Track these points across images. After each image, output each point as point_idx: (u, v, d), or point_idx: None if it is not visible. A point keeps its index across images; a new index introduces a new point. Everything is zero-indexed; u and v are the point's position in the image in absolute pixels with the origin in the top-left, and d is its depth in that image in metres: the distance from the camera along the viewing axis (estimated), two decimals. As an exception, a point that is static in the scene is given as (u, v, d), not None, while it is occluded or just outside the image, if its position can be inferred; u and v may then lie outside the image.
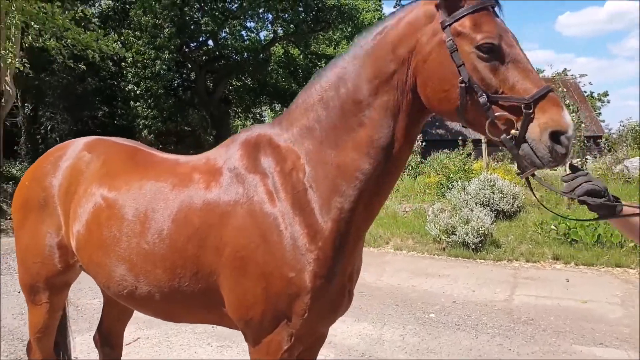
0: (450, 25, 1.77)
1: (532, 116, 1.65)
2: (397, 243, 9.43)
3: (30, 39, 12.20)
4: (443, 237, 8.79)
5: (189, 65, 26.18)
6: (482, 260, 8.22)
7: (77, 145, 2.69)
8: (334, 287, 1.99)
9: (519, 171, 1.79)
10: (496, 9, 1.82)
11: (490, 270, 7.68)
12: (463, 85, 1.72)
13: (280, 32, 27.13)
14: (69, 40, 12.11)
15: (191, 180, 2.19)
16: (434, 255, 8.73)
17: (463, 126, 1.87)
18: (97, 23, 21.66)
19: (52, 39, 12.01)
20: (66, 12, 12.35)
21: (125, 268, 2.27)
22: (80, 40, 12.22)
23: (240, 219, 2.00)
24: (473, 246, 8.44)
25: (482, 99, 1.69)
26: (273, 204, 1.97)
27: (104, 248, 2.31)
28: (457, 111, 1.77)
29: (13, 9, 10.72)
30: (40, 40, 11.82)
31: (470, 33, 1.74)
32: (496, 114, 1.69)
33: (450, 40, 1.75)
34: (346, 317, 5.83)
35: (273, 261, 1.92)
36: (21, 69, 11.04)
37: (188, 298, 2.15)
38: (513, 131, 1.69)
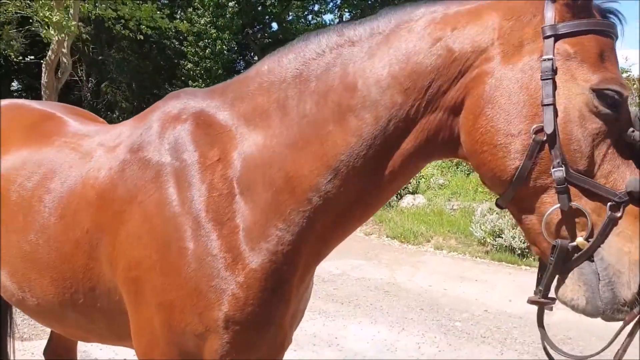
0: (557, 37, 1.16)
1: (615, 225, 1.10)
2: (438, 242, 8.87)
3: (86, 8, 12.47)
4: (488, 240, 8.19)
5: (252, 47, 26.29)
6: (528, 267, 7.55)
7: None
8: (263, 340, 1.45)
9: (533, 298, 1.25)
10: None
11: (535, 278, 7.05)
12: (540, 138, 1.12)
13: (346, 16, 26.63)
14: (125, 12, 12.32)
15: (92, 160, 1.68)
16: (475, 257, 8.11)
17: None
18: (165, 2, 22.22)
19: (107, 9, 12.26)
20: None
21: (6, 273, 1.80)
22: (135, 14, 12.42)
23: (135, 222, 1.47)
24: (519, 251, 7.79)
25: (559, 172, 1.11)
26: (179, 206, 1.41)
27: None
28: (507, 175, 1.18)
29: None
30: (97, 9, 12.09)
31: (590, 64, 1.15)
32: (572, 203, 1.12)
33: (549, 60, 1.14)
34: (363, 318, 5.44)
35: (173, 287, 1.39)
36: (79, 35, 11.32)
37: (86, 319, 1.68)
38: (580, 240, 1.13)
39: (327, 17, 28.92)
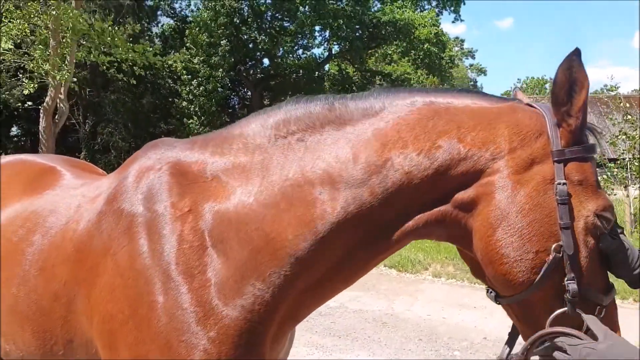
0: (565, 162, 1.28)
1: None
2: (436, 269, 8.86)
3: (81, 55, 12.79)
4: (485, 265, 8.19)
5: (245, 83, 26.70)
6: (526, 292, 7.55)
7: None
8: None
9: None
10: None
11: (534, 303, 7.04)
12: (559, 256, 1.24)
13: (335, 49, 27.16)
14: (118, 55, 12.61)
15: (72, 212, 1.71)
16: (474, 284, 8.08)
17: None
18: (159, 43, 22.68)
19: (100, 55, 12.54)
20: (116, 29, 12.92)
21: None
22: (128, 56, 12.69)
23: (108, 275, 1.46)
24: (516, 276, 7.78)
25: (573, 285, 1.24)
26: (149, 259, 1.39)
27: None
28: (523, 286, 1.28)
29: (66, 27, 11.32)
30: (91, 56, 12.40)
31: (592, 190, 1.29)
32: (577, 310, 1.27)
33: (564, 184, 1.25)
34: (360, 351, 5.43)
35: (146, 342, 1.36)
36: (75, 88, 11.62)
37: None
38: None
39: (317, 51, 29.48)
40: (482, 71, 52.41)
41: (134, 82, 14.43)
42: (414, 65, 27.49)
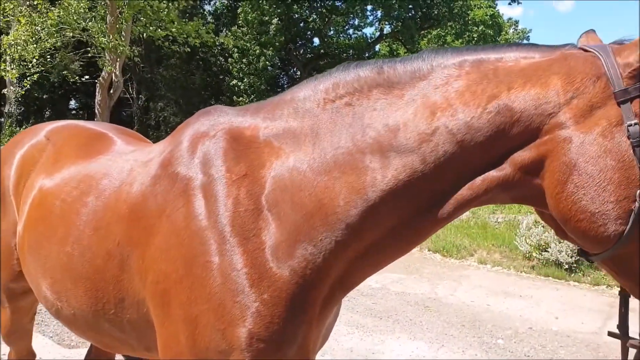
0: (631, 100, 1.20)
1: None
2: (482, 256, 8.66)
3: (138, 30, 13.16)
4: (534, 254, 7.94)
5: (294, 63, 26.69)
6: (576, 283, 7.25)
7: (38, 130, 2.41)
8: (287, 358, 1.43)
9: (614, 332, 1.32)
10: None
11: (584, 295, 6.74)
12: None
13: (387, 29, 26.66)
14: (173, 30, 12.89)
15: (125, 175, 1.75)
16: (521, 272, 7.87)
17: None
18: (211, 20, 22.94)
19: (157, 30, 12.86)
20: (171, 5, 13.23)
21: (47, 283, 1.90)
22: (183, 31, 12.97)
23: (163, 236, 1.49)
24: (567, 266, 7.50)
25: None
26: (205, 220, 1.42)
27: (32, 253, 1.96)
28: (611, 241, 1.21)
29: (123, 3, 11.67)
30: (148, 31, 12.73)
31: None
32: None
33: (635, 124, 1.17)
34: (401, 333, 5.38)
35: (199, 302, 1.39)
36: (130, 57, 11.99)
37: (117, 329, 1.73)
38: None
39: (368, 31, 28.98)
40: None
41: (188, 50, 14.70)
42: (468, 47, 26.65)
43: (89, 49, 13.37)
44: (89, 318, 1.78)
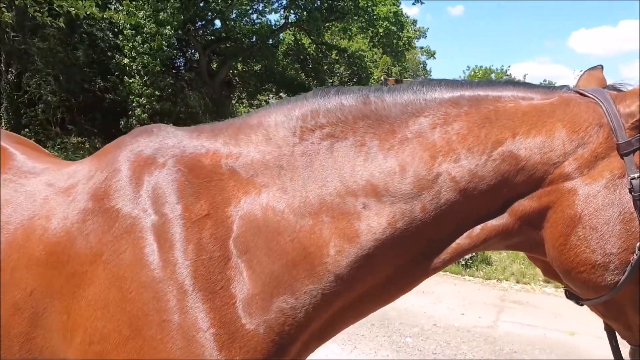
0: (634, 152, 1.19)
1: None
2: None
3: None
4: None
5: (193, 45, 25.52)
6: (471, 278, 7.74)
7: None
8: None
9: None
10: None
11: (478, 289, 7.22)
12: None
13: (292, 17, 26.40)
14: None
15: (38, 205, 1.41)
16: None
17: None
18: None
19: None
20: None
21: None
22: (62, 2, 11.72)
23: (100, 287, 1.22)
24: (463, 262, 7.98)
25: None
26: (159, 271, 1.18)
27: None
28: (606, 289, 1.21)
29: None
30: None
31: None
32: None
33: (638, 177, 1.17)
34: (314, 337, 5.35)
35: None
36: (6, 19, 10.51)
37: None
38: None
39: (273, 18, 28.60)
40: (432, 54, 53.08)
41: (61, 24, 13.28)
42: (371, 43, 27.29)
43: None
44: None
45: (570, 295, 1.39)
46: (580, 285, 1.26)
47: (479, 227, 1.28)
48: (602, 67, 1.53)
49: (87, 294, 1.24)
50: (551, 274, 1.39)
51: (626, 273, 1.17)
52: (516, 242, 1.34)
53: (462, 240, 1.29)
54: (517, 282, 7.71)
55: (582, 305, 1.37)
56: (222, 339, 1.15)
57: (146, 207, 1.26)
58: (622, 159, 1.19)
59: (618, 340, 1.41)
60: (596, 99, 1.26)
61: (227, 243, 1.23)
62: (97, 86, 21.44)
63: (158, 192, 1.27)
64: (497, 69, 55.49)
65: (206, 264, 1.20)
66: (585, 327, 5.84)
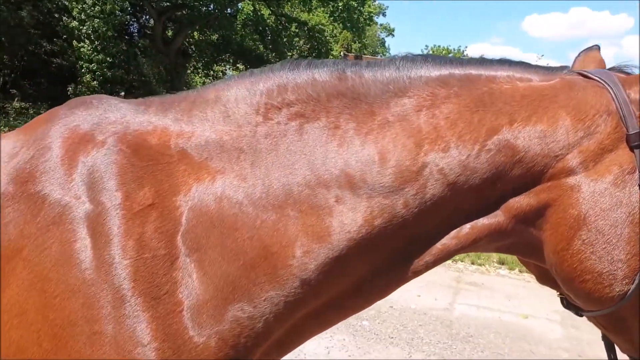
0: None
1: None
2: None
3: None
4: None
5: (148, 11, 24.37)
6: (428, 259, 7.76)
7: None
8: None
9: None
10: None
11: (434, 270, 7.24)
12: None
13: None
14: None
15: None
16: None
17: None
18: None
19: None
20: None
21: None
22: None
23: (18, 289, 1.01)
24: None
25: None
26: (92, 272, 0.99)
27: None
28: (613, 301, 1.06)
29: None
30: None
31: None
32: None
33: None
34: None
35: None
36: None
37: None
38: None
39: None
40: (391, 31, 53.11)
41: None
42: (331, 17, 26.92)
43: None
44: None
45: (568, 304, 1.24)
46: (584, 295, 1.11)
47: (468, 225, 1.12)
48: (599, 47, 1.35)
49: (2, 298, 1.02)
50: (548, 281, 1.24)
51: (635, 282, 1.03)
52: (509, 244, 1.19)
53: (448, 241, 1.13)
54: (472, 263, 7.75)
55: (581, 316, 1.23)
56: (165, 354, 0.97)
57: (79, 194, 1.04)
58: (633, 151, 1.04)
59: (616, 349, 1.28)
60: (603, 82, 1.10)
61: (174, 239, 1.03)
62: (43, 49, 20.22)
63: (94, 176, 1.06)
64: (454, 49, 56.17)
65: (148, 264, 1.00)
66: (539, 309, 5.95)
